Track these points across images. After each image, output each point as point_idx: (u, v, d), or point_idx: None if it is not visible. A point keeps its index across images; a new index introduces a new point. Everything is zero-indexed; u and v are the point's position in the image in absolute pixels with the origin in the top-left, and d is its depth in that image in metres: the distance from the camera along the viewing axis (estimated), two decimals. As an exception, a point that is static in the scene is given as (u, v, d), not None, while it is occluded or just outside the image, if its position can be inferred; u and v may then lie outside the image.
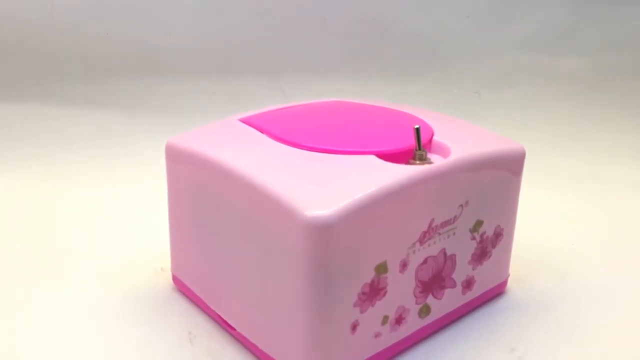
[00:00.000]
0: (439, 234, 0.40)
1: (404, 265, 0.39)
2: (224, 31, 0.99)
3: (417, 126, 0.40)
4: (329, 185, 0.36)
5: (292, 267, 0.35)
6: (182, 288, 0.48)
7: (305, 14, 1.01)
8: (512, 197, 0.46)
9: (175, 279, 0.48)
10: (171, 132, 0.47)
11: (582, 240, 0.57)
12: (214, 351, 0.42)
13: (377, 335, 0.39)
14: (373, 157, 0.39)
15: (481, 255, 0.45)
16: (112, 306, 0.47)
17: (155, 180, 0.56)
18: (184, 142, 0.43)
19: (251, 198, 0.37)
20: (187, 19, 0.98)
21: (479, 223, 0.43)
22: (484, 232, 0.44)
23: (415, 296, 0.41)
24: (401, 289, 0.39)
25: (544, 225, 0.60)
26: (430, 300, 0.42)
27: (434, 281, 0.42)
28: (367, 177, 0.37)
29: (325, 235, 0.34)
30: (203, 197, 0.42)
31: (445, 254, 0.42)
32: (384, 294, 0.38)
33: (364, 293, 0.37)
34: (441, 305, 0.43)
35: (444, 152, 0.42)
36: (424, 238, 0.39)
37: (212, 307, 0.44)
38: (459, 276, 0.44)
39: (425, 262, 0.40)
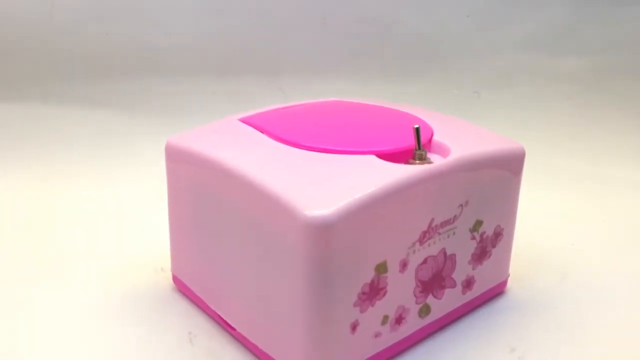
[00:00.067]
0: (439, 233, 0.40)
1: (404, 265, 0.39)
2: (224, 31, 0.99)
3: (416, 126, 0.40)
4: (329, 185, 0.36)
5: (292, 267, 0.35)
6: (182, 288, 0.48)
7: (305, 14, 1.01)
8: (512, 197, 0.46)
9: (175, 279, 0.48)
10: (171, 132, 0.46)
11: (582, 240, 0.57)
12: (214, 351, 0.42)
13: (377, 335, 0.39)
14: (373, 157, 0.39)
15: (481, 255, 0.45)
16: (112, 306, 0.47)
17: (155, 180, 0.56)
18: (184, 142, 0.43)
19: (251, 198, 0.37)
20: (187, 19, 0.98)
21: (479, 223, 0.43)
22: (484, 232, 0.44)
23: (415, 296, 0.41)
24: (401, 289, 0.39)
25: (544, 225, 0.60)
26: (430, 300, 0.42)
27: (434, 281, 0.42)
28: (367, 176, 0.37)
29: (325, 235, 0.34)
30: (203, 197, 0.42)
31: (445, 253, 0.42)
32: (384, 294, 0.38)
33: (364, 293, 0.37)
34: (441, 305, 0.43)
35: (443, 151, 0.42)
36: (424, 238, 0.39)
37: (212, 307, 0.44)
38: (459, 276, 0.44)
39: (425, 261, 0.40)
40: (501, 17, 1.07)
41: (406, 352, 0.42)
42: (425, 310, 0.42)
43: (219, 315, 0.43)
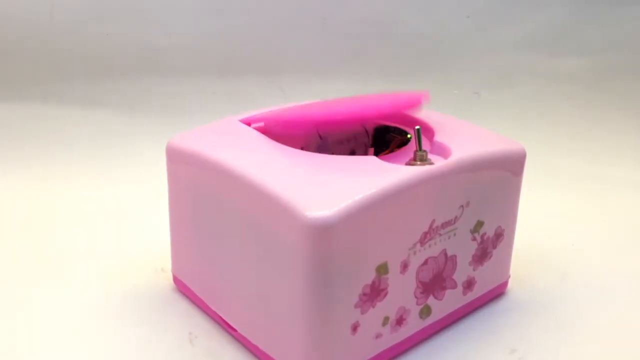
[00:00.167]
0: (440, 234, 0.40)
1: (404, 266, 0.39)
2: (224, 31, 0.98)
3: (417, 127, 0.40)
4: (330, 186, 0.36)
5: (293, 267, 0.35)
6: (182, 288, 0.48)
7: (305, 14, 1.01)
8: (513, 197, 0.45)
9: (175, 279, 0.48)
10: (171, 132, 0.46)
11: (582, 240, 0.57)
12: (214, 351, 0.42)
13: (377, 336, 0.39)
14: (373, 158, 0.39)
15: (482, 255, 0.44)
16: (112, 306, 0.47)
17: (155, 180, 0.56)
18: (184, 143, 0.43)
19: (251, 198, 0.37)
20: (187, 19, 0.98)
21: (480, 224, 0.43)
22: (485, 233, 0.44)
23: (416, 297, 0.41)
24: (402, 290, 0.39)
25: (544, 225, 0.60)
26: (431, 301, 0.42)
27: (434, 282, 0.42)
28: (368, 177, 0.37)
29: (326, 236, 0.34)
30: (204, 198, 0.42)
31: (446, 254, 0.42)
32: (385, 295, 0.38)
33: (364, 294, 0.37)
34: (442, 306, 0.43)
35: (444, 152, 0.42)
36: (424, 239, 0.39)
37: (213, 308, 0.44)
38: (459, 277, 0.44)
39: (426, 262, 0.40)
40: (501, 17, 1.07)
41: (407, 353, 0.42)
42: (426, 311, 0.42)
43: (219, 316, 0.43)
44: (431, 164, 0.40)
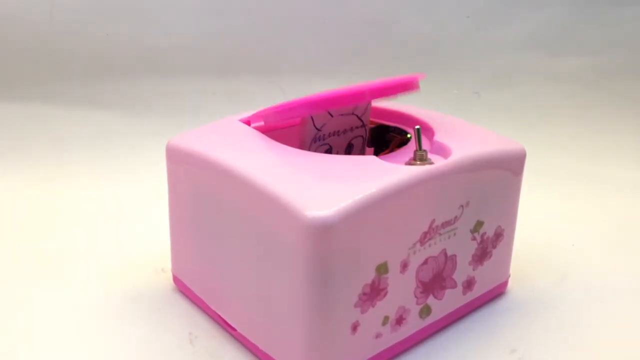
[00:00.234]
0: (440, 234, 0.40)
1: (404, 266, 0.39)
2: (224, 31, 0.99)
3: (417, 127, 0.40)
4: (330, 186, 0.36)
5: (293, 267, 0.35)
6: (182, 288, 0.48)
7: (305, 14, 1.01)
8: (513, 197, 0.45)
9: (175, 279, 0.48)
10: (171, 132, 0.46)
11: (582, 240, 0.57)
12: (214, 351, 0.42)
13: (377, 335, 0.39)
14: (373, 157, 0.39)
15: (482, 255, 0.45)
16: (112, 306, 0.47)
17: (155, 180, 0.56)
18: (184, 143, 0.43)
19: (251, 198, 0.37)
20: (187, 19, 0.98)
21: (480, 223, 0.43)
22: (485, 233, 0.44)
23: (415, 297, 0.41)
24: (402, 290, 0.39)
25: (544, 225, 0.60)
26: (430, 300, 0.42)
27: (434, 282, 0.42)
28: (368, 177, 0.37)
29: (326, 236, 0.34)
30: (204, 198, 0.42)
31: (445, 254, 0.42)
32: (385, 295, 0.38)
33: (364, 293, 0.37)
34: (442, 306, 0.43)
35: (444, 152, 0.42)
36: (424, 238, 0.39)
37: (213, 308, 0.44)
38: (459, 277, 0.44)
39: (425, 262, 0.40)
40: (501, 17, 1.07)
41: (407, 353, 0.42)
42: (425, 311, 0.42)
43: (219, 316, 0.43)
44: (431, 163, 0.40)
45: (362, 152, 0.48)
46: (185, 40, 0.97)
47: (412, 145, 0.43)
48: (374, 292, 0.38)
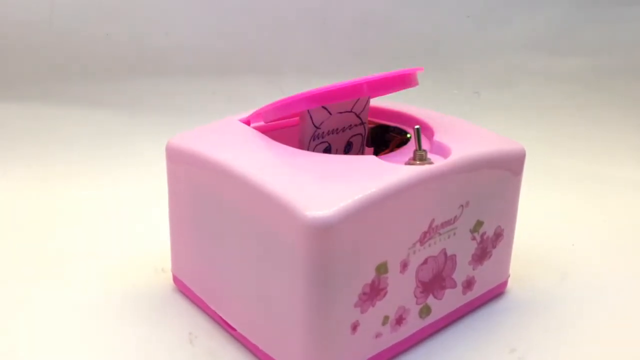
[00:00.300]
0: (440, 234, 0.40)
1: (404, 266, 0.39)
2: (224, 31, 0.99)
3: (417, 127, 0.40)
4: (329, 186, 0.36)
5: (293, 267, 0.35)
6: (182, 288, 0.48)
7: (305, 14, 1.01)
8: (512, 197, 0.45)
9: (175, 279, 0.48)
10: (171, 132, 0.46)
11: (582, 240, 0.57)
12: (214, 351, 0.42)
13: (377, 335, 0.39)
14: (373, 157, 0.39)
15: (481, 255, 0.45)
16: (112, 306, 0.47)
17: (155, 180, 0.56)
18: (184, 143, 0.43)
19: (251, 198, 0.37)
20: (187, 19, 0.98)
21: (479, 223, 0.43)
22: (484, 233, 0.44)
23: (415, 296, 0.41)
24: (402, 289, 0.39)
25: (544, 225, 0.60)
26: (430, 300, 0.42)
27: (434, 281, 0.42)
28: (368, 177, 0.37)
29: (326, 236, 0.34)
30: (204, 198, 0.42)
31: (445, 254, 0.42)
32: (385, 294, 0.38)
33: (364, 293, 0.37)
34: (441, 306, 0.43)
35: (444, 152, 0.42)
36: (424, 238, 0.39)
37: (213, 308, 0.44)
38: (459, 276, 0.44)
39: (425, 262, 0.40)
40: (501, 17, 1.07)
41: (407, 353, 0.42)
42: (425, 311, 0.42)
43: (219, 316, 0.43)
44: (431, 163, 0.40)
45: (361, 151, 0.48)
46: (185, 40, 0.98)
47: (411, 145, 0.43)
48: (373, 292, 0.38)
